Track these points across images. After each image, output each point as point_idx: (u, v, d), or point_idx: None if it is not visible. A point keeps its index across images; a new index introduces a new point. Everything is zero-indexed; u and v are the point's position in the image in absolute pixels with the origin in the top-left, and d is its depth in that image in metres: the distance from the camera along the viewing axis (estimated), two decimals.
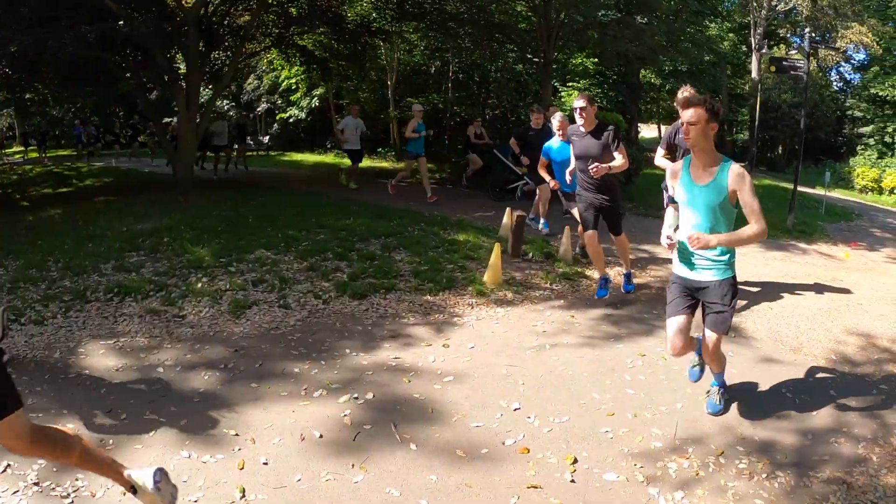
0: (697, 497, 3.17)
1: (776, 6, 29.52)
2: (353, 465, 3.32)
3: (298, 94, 22.81)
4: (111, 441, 3.47)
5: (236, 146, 17.97)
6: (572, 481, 3.26)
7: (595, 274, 7.31)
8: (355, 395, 4.07)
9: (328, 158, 17.93)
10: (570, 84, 24.55)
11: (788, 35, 32.35)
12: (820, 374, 4.71)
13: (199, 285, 6.08)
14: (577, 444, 3.58)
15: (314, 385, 4.20)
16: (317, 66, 16.82)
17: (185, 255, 7.00)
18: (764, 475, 3.35)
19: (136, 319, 5.30)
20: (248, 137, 20.55)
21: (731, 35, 33.15)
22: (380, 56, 20.01)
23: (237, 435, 3.57)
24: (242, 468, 3.27)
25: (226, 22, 14.15)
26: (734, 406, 4.11)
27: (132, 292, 5.80)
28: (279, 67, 21.97)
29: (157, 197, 11.39)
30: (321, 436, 3.58)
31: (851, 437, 3.78)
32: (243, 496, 3.06)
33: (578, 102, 6.05)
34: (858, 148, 29.58)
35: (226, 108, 25.97)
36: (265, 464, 3.31)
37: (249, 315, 5.47)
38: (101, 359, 4.55)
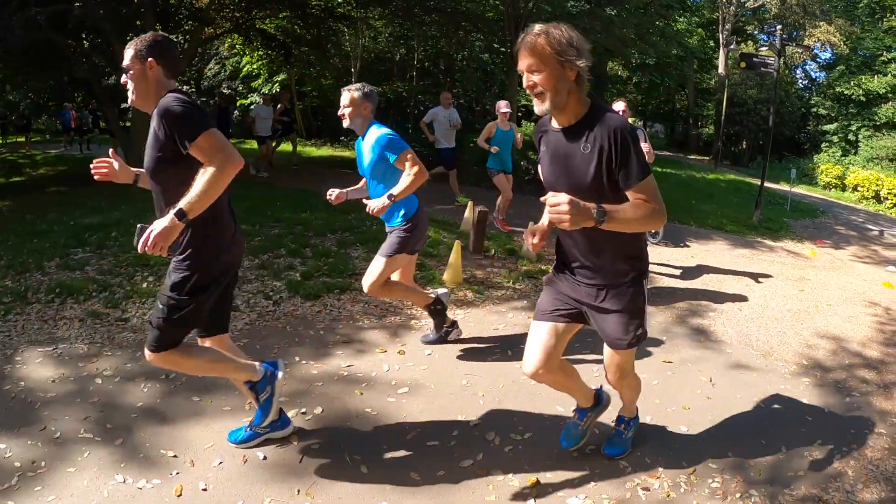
0: None
1: (745, 3, 29.76)
2: (298, 492, 3.04)
3: (260, 81, 22.34)
4: (43, 463, 3.13)
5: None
6: None
7: None
8: (303, 410, 3.78)
9: (288, 147, 17.45)
10: None
11: (756, 32, 32.66)
12: (792, 381, 4.58)
13: (145, 285, 5.74)
14: (540, 465, 3.35)
15: None
16: (279, 50, 16.42)
17: (132, 251, 6.61)
18: (738, 495, 3.17)
19: (77, 323, 4.93)
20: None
21: (699, 30, 33.42)
22: (344, 43, 19.69)
23: (176, 456, 3.26)
24: (180, 495, 2.97)
25: (184, 4, 13.73)
26: (707, 419, 3.93)
27: (74, 293, 5.42)
28: (240, 53, 21.51)
29: (109, 189, 10.88)
30: (265, 457, 3.29)
31: (826, 450, 3.63)
32: None
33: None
34: (823, 145, 30.00)
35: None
36: (204, 490, 3.02)
37: None
38: (37, 368, 4.18)
